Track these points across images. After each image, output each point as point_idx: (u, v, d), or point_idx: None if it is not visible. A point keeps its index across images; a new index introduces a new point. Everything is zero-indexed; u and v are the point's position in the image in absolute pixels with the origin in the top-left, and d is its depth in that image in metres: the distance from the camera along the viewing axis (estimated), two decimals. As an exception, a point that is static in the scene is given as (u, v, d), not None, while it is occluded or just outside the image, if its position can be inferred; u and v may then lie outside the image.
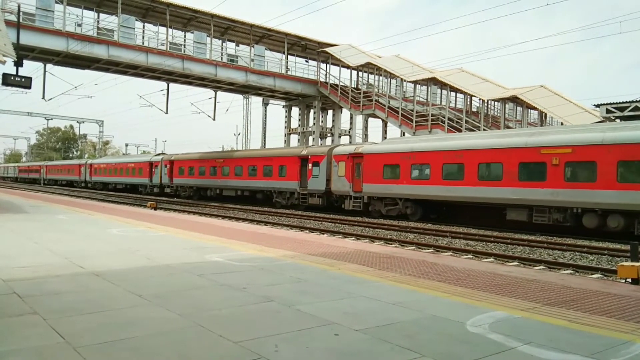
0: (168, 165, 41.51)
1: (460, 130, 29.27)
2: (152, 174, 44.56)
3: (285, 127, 44.10)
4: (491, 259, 12.55)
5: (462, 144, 20.77)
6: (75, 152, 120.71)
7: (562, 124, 27.75)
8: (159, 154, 46.45)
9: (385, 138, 38.43)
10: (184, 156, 41.64)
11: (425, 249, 14.08)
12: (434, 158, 21.43)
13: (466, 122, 30.24)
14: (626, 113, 21.78)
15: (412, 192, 22.32)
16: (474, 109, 38.43)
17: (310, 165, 27.73)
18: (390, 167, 23.28)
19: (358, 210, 24.80)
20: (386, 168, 23.39)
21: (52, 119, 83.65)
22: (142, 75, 36.62)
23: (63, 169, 69.88)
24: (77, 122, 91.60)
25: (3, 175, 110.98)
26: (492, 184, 19.07)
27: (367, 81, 40.08)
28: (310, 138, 41.56)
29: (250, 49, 37.64)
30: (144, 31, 35.04)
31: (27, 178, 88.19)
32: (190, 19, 36.13)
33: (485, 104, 35.36)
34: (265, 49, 38.91)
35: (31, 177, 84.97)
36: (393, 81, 38.99)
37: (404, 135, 36.45)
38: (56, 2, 30.10)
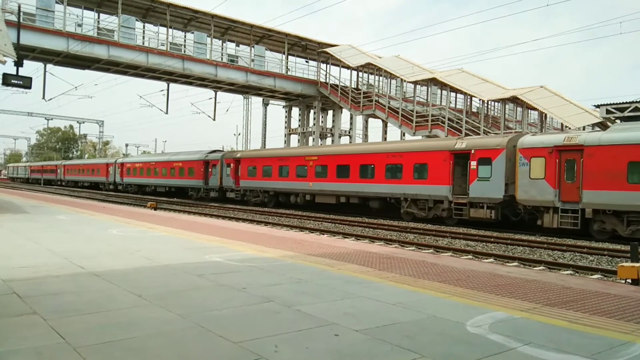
0: (232, 165, 34.09)
1: (460, 131, 29.27)
2: (209, 175, 36.63)
3: (286, 128, 44.13)
4: (491, 260, 12.54)
5: None
6: (75, 153, 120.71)
7: (562, 124, 27.75)
8: (214, 151, 38.99)
9: (385, 139, 38.48)
10: (255, 153, 35.18)
11: (425, 249, 14.07)
12: None
13: (466, 122, 30.23)
14: (626, 114, 21.75)
15: None
16: (474, 110, 38.43)
17: (473, 163, 20.16)
18: None
19: (569, 229, 17.39)
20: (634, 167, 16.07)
21: (52, 119, 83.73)
22: (142, 76, 36.65)
23: (86, 169, 61.21)
24: (77, 122, 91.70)
25: (12, 175, 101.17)
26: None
27: (367, 81, 40.09)
28: (311, 138, 41.57)
29: (251, 49, 37.66)
30: (144, 31, 35.10)
31: (40, 179, 78.55)
32: (190, 19, 36.16)
33: (486, 105, 35.36)
34: (266, 50, 38.95)
35: (46, 178, 75.75)
36: (393, 81, 38.98)
37: (404, 135, 36.53)
38: (56, 2, 30.14)
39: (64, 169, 68.15)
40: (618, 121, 21.71)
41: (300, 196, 28.77)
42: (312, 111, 41.89)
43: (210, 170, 36.71)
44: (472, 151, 20.51)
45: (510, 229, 19.21)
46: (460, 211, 20.53)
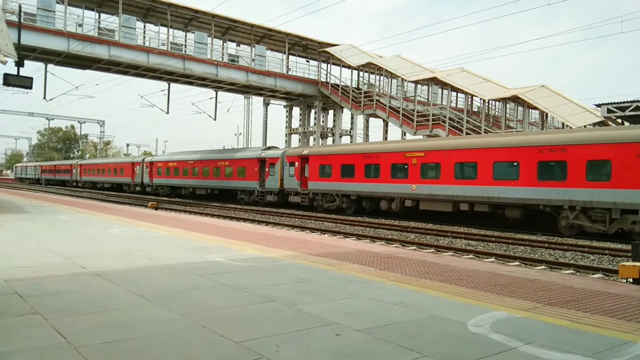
0: (297, 163, 28.96)
1: (461, 131, 29.24)
2: (265, 175, 31.50)
3: (286, 127, 44.12)
4: (492, 259, 12.54)
5: None
6: (76, 152, 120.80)
7: (563, 123, 27.73)
8: (270, 147, 34.27)
9: (386, 139, 38.49)
10: (329, 149, 29.16)
11: (426, 249, 14.07)
12: None
13: (467, 122, 30.22)
14: (627, 113, 21.74)
15: None
16: (475, 109, 38.42)
17: None
18: None
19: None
20: None
21: (53, 119, 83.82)
22: (143, 76, 36.67)
23: (107, 169, 55.03)
24: (78, 122, 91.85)
25: (20, 176, 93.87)
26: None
27: (368, 81, 40.09)
28: (311, 138, 41.57)
29: (251, 49, 37.65)
30: (145, 31, 35.13)
31: (53, 180, 72.85)
32: (191, 19, 36.17)
33: (487, 104, 35.35)
34: (266, 49, 38.95)
35: (59, 178, 70.10)
36: (394, 81, 38.98)
37: (404, 135, 36.52)
38: (57, 3, 30.16)
39: (80, 169, 62.18)
40: (619, 120, 21.69)
41: (397, 202, 23.33)
42: (312, 111, 41.89)
43: (267, 169, 31.20)
44: None
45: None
46: None
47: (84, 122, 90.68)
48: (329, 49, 38.38)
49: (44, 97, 32.77)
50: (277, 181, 30.38)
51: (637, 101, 21.57)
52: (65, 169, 67.87)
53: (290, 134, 43.68)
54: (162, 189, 43.62)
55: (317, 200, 27.86)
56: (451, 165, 21.15)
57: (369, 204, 25.13)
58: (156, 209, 25.23)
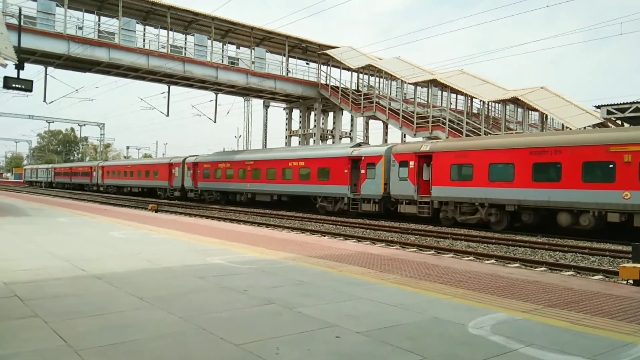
0: (412, 163, 22.56)
1: (461, 132, 29.26)
2: (361, 178, 25.24)
3: (286, 129, 44.16)
4: (492, 261, 12.53)
5: None
6: (76, 155, 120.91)
7: (562, 125, 27.73)
8: (360, 144, 28.58)
9: (386, 141, 38.51)
10: (472, 143, 21.25)
11: (426, 250, 14.06)
12: None
13: (467, 123, 30.24)
14: (627, 114, 21.75)
15: None
16: (475, 111, 38.46)
17: None
18: None
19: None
20: None
21: (53, 122, 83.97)
22: (143, 78, 36.71)
23: (136, 171, 48.04)
24: (78, 124, 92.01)
25: (30, 179, 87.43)
26: None
27: (368, 83, 40.13)
28: (311, 140, 41.61)
29: (251, 52, 37.70)
30: (144, 34, 35.19)
31: (69, 184, 66.62)
32: (191, 22, 36.23)
33: (486, 106, 35.38)
34: (266, 52, 39.02)
35: (76, 182, 63.78)
36: (394, 83, 39.02)
37: (404, 137, 36.52)
38: (57, 5, 30.22)
39: (102, 172, 54.92)
40: (619, 122, 21.69)
41: (592, 215, 16.78)
42: (312, 113, 41.92)
43: (363, 171, 25.16)
44: None
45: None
46: None
47: (84, 125, 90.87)
48: (328, 52, 38.43)
49: (44, 100, 32.81)
50: (378, 186, 24.12)
51: (637, 102, 21.58)
52: (84, 172, 61.20)
53: (290, 136, 43.73)
54: (210, 195, 37.28)
55: (445, 211, 21.26)
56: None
57: (532, 218, 18.55)
58: (156, 211, 25.24)
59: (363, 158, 25.20)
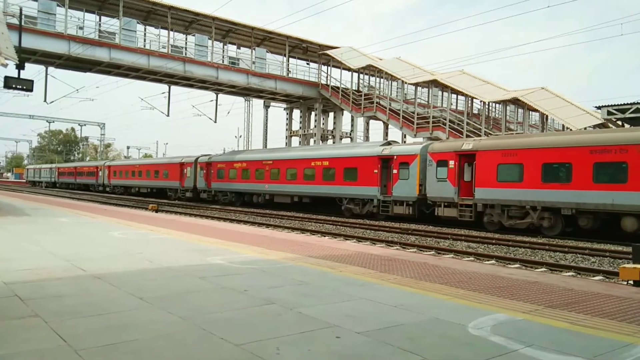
0: (452, 162, 20.73)
1: (461, 133, 29.25)
2: (393, 179, 23.30)
3: (287, 130, 44.18)
4: (493, 261, 12.52)
5: None
6: (76, 155, 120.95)
7: (563, 125, 27.74)
8: (389, 143, 27.01)
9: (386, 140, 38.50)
10: (522, 141, 19.26)
11: (426, 251, 14.05)
12: None
13: (467, 124, 30.24)
14: (627, 115, 21.73)
15: None
16: (475, 111, 38.46)
17: None
18: None
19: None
20: None
21: (53, 122, 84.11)
22: (143, 78, 36.74)
23: (144, 171, 45.75)
24: (79, 124, 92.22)
25: (33, 179, 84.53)
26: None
27: (368, 83, 40.15)
28: (312, 140, 41.63)
29: (252, 52, 37.73)
30: (145, 34, 35.23)
31: (73, 184, 64.89)
32: (191, 22, 36.25)
33: (487, 106, 35.38)
34: (267, 52, 39.04)
35: (81, 182, 62.09)
36: (394, 83, 39.03)
37: (404, 137, 36.54)
38: (58, 5, 30.25)
39: (109, 171, 52.91)
40: (619, 122, 21.68)
41: None
42: (313, 113, 41.95)
43: (395, 171, 23.38)
44: None
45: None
46: None
47: (85, 125, 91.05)
48: (329, 52, 38.45)
49: (45, 100, 32.88)
50: (413, 187, 22.35)
51: (637, 103, 21.56)
52: (90, 172, 59.07)
53: (291, 136, 43.76)
54: (225, 196, 35.26)
55: (490, 214, 19.41)
56: None
57: (591, 222, 16.88)
58: (156, 211, 25.24)
59: (395, 157, 23.36)
